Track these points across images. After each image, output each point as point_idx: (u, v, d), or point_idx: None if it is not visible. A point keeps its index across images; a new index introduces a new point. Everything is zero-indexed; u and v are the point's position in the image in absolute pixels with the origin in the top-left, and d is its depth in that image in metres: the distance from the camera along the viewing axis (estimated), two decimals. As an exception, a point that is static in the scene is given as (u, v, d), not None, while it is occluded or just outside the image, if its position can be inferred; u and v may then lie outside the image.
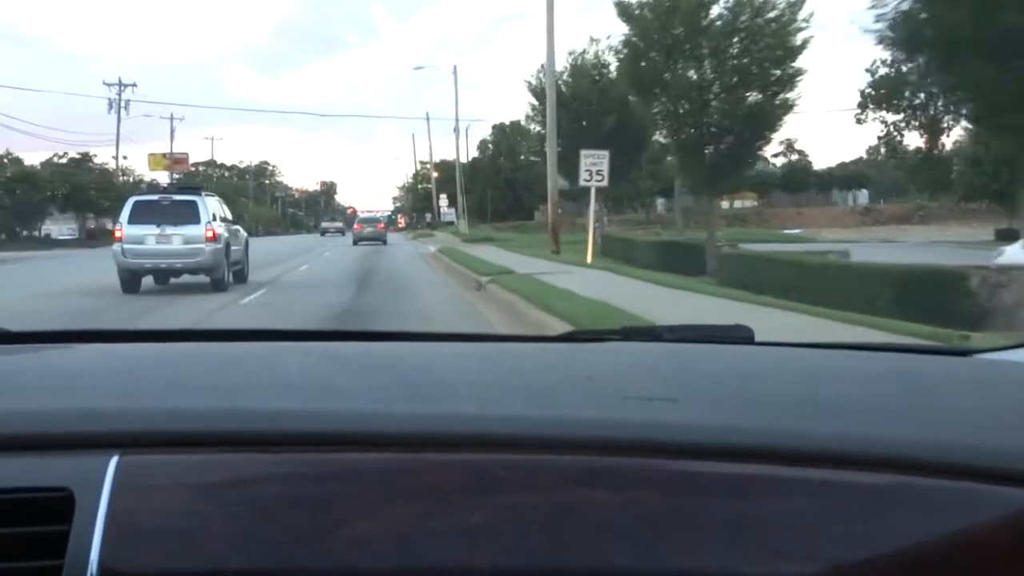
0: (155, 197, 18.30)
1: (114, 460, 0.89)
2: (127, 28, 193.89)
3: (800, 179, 78.69)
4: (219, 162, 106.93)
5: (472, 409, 1.04)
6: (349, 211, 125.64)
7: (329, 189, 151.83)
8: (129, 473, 0.88)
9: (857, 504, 0.90)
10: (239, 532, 0.86)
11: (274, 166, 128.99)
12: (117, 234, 17.64)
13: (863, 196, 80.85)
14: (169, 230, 17.29)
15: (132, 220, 17.49)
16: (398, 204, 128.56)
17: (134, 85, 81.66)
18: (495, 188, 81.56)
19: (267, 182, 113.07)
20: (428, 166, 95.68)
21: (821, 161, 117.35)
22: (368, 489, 0.89)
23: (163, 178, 72.01)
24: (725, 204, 61.69)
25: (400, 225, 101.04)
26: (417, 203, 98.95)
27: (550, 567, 0.86)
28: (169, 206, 17.60)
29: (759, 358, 1.45)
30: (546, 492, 0.90)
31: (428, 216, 79.49)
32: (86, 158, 70.54)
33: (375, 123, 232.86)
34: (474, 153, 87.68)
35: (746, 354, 1.46)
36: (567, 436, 0.95)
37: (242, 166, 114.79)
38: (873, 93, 53.16)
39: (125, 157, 79.13)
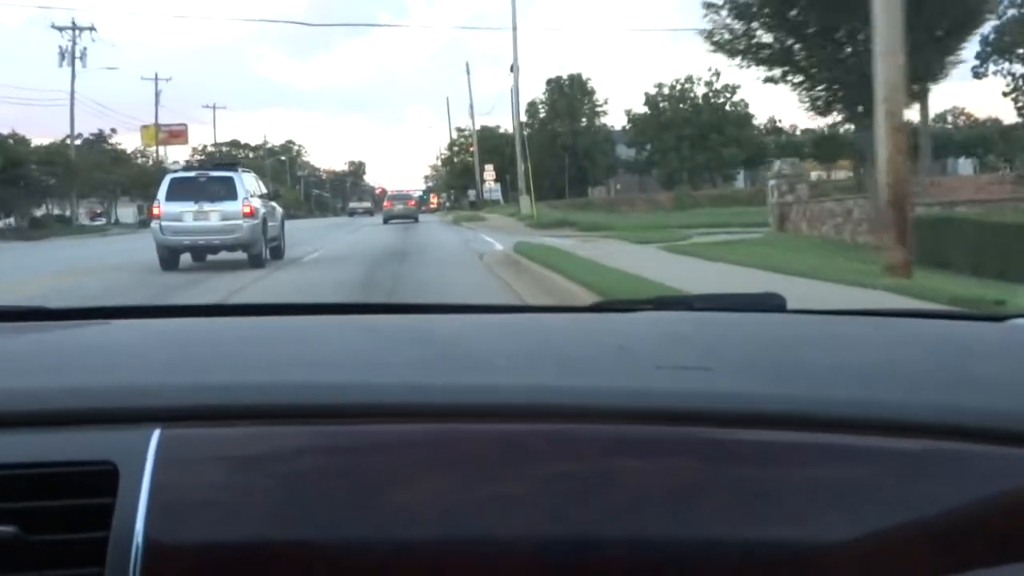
0: (192, 174, 18.70)
1: (156, 434, 0.92)
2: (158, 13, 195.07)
3: (911, 143, 66.71)
4: (243, 142, 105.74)
5: (507, 380, 1.07)
6: (378, 191, 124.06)
7: (357, 169, 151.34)
8: (171, 447, 0.91)
9: (892, 470, 0.92)
10: (279, 504, 0.89)
11: (300, 146, 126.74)
12: (155, 211, 18.07)
13: (966, 164, 68.68)
14: (207, 207, 17.62)
15: (169, 197, 17.86)
16: (429, 184, 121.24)
17: (169, 79, 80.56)
18: (551, 157, 68.38)
19: (283, 158, 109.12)
20: (467, 134, 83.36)
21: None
22: (406, 460, 0.92)
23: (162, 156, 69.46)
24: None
25: (432, 205, 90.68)
26: (453, 179, 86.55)
27: (587, 535, 0.89)
28: (206, 183, 17.98)
29: (792, 326, 1.49)
30: (582, 461, 0.92)
31: (472, 193, 68.74)
32: (101, 138, 69.23)
33: (406, 103, 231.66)
34: (522, 118, 77.86)
35: (778, 322, 1.50)
36: (601, 405, 0.98)
37: (267, 146, 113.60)
38: (997, 40, 47.33)
39: (113, 130, 76.88)
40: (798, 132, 67.72)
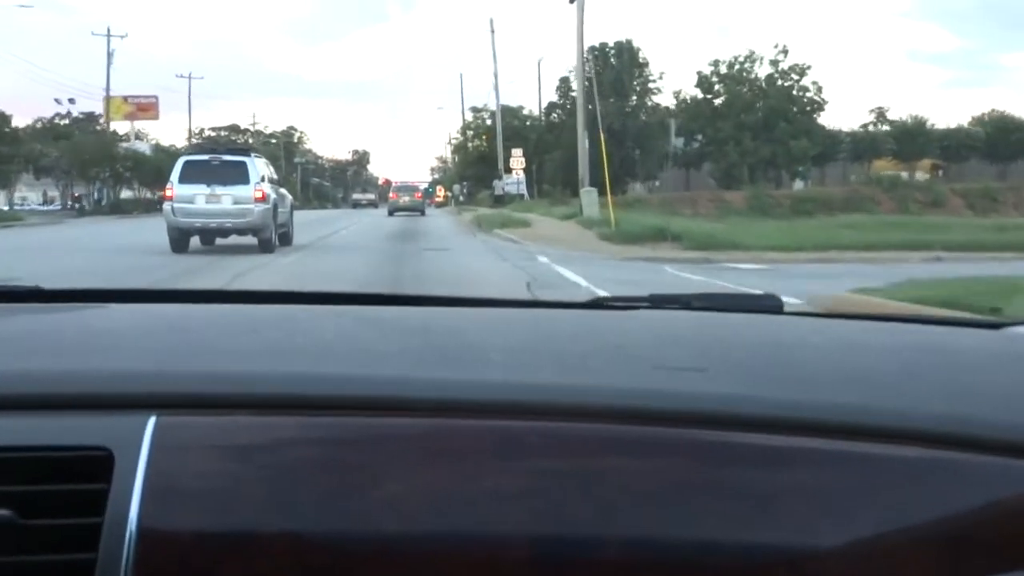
0: (205, 157, 19.13)
1: (152, 420, 0.93)
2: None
3: (1009, 140, 51.10)
4: (242, 127, 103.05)
5: (504, 376, 1.09)
6: (382, 182, 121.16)
7: (361, 159, 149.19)
8: (167, 434, 0.93)
9: (888, 477, 0.94)
10: (273, 493, 0.91)
11: (302, 132, 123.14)
12: (168, 193, 18.36)
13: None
14: (219, 190, 18.03)
15: (183, 180, 18.17)
16: (436, 176, 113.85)
17: (124, 36, 76.27)
18: (589, 144, 57.13)
19: (274, 141, 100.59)
20: (485, 114, 69.09)
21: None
22: (401, 454, 0.94)
23: (124, 128, 65.68)
24: (889, 173, 46.94)
25: (438, 199, 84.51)
26: (466, 168, 72.31)
27: (579, 533, 0.91)
28: (219, 166, 18.41)
29: (788, 328, 1.51)
30: (577, 459, 0.95)
31: (498, 185, 53.44)
32: (92, 118, 67.50)
33: (415, 92, 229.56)
34: (550, 96, 61.87)
35: (775, 324, 1.52)
36: (597, 404, 1.00)
37: (267, 131, 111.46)
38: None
39: (71, 100, 69.39)
40: (870, 126, 54.27)
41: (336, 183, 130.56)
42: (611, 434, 0.96)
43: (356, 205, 74.24)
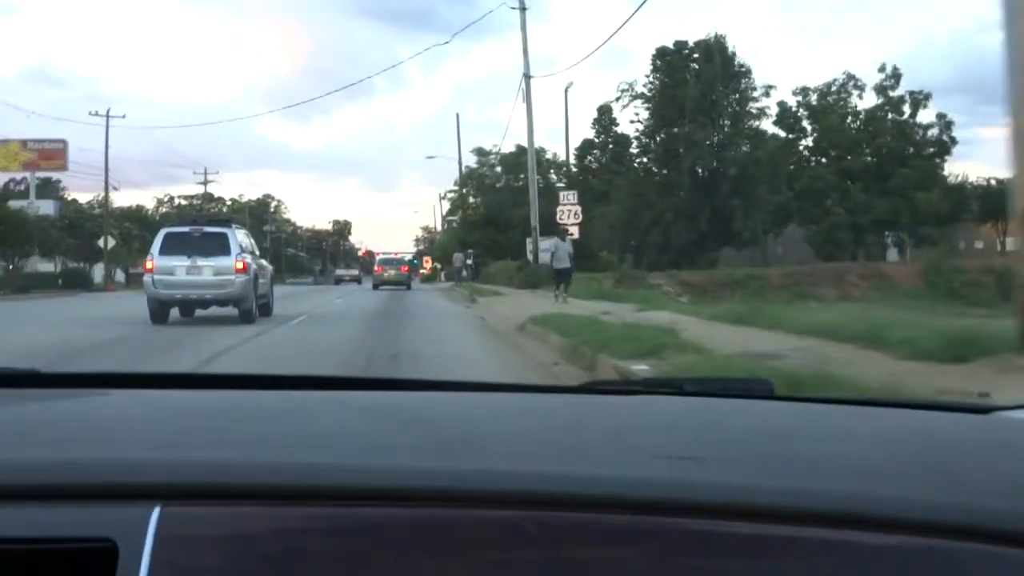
0: (186, 229, 19.52)
1: (156, 511, 0.95)
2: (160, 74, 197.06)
3: None
4: (216, 195, 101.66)
5: (505, 465, 1.11)
6: (362, 253, 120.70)
7: (342, 229, 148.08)
8: (171, 525, 0.94)
9: (880, 566, 0.96)
10: None
11: (279, 201, 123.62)
12: (148, 265, 18.55)
13: None
14: (200, 261, 18.33)
15: (163, 251, 18.47)
16: (421, 247, 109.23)
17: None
18: (665, 190, 40.08)
19: (231, 207, 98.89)
20: (492, 155, 53.98)
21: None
22: (404, 544, 0.96)
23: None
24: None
25: (425, 271, 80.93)
26: (470, 231, 54.80)
27: None
28: (200, 238, 18.82)
29: (780, 414, 1.57)
30: (578, 549, 0.96)
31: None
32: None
33: (399, 164, 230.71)
34: (584, 132, 47.37)
35: (767, 409, 1.58)
36: (599, 494, 1.02)
37: (242, 200, 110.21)
38: None
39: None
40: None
41: (313, 254, 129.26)
42: (612, 524, 0.98)
43: (339, 281, 72.45)
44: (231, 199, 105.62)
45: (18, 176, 60.30)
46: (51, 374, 1.62)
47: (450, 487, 1.03)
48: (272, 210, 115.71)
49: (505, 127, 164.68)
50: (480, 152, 57.02)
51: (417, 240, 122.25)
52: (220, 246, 18.76)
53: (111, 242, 50.90)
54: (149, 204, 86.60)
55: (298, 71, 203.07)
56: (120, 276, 59.02)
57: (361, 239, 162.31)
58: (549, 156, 43.73)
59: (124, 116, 57.54)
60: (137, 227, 60.26)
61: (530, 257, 34.55)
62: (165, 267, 18.48)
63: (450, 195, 65.02)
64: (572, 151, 45.52)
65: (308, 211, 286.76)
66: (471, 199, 56.77)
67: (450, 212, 68.58)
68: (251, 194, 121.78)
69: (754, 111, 40.40)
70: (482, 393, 1.81)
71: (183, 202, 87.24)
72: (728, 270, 32.28)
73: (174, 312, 19.14)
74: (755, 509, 1.00)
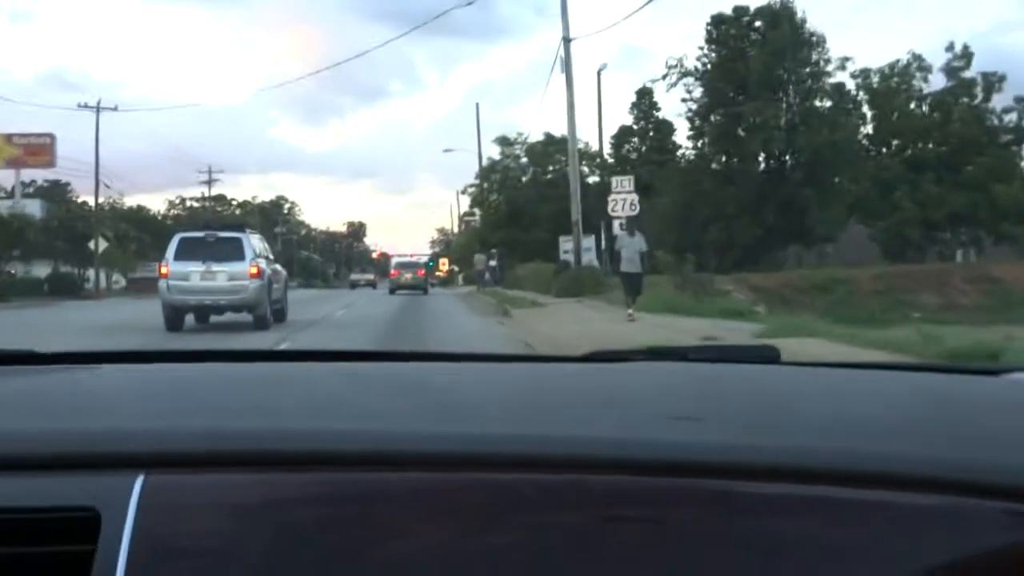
0: (200, 234, 19.52)
1: (139, 480, 0.94)
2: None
3: None
4: (229, 197, 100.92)
5: (502, 429, 1.10)
6: (376, 255, 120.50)
7: (357, 231, 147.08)
8: (154, 493, 0.93)
9: (892, 525, 0.95)
10: (263, 553, 0.91)
11: (292, 202, 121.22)
12: (163, 271, 18.45)
13: None
14: (214, 267, 18.38)
15: (178, 257, 18.36)
16: (437, 249, 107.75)
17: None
18: (724, 178, 35.42)
19: (238, 211, 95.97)
20: (519, 142, 50.60)
21: None
22: (399, 509, 0.95)
23: (7, 177, 54.13)
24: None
25: (441, 273, 78.43)
26: (493, 230, 50.94)
27: None
28: (214, 243, 18.82)
29: (786, 377, 1.54)
30: (576, 511, 0.96)
31: (576, 248, 28.64)
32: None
33: (415, 167, 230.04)
34: (622, 118, 43.61)
35: (772, 373, 1.55)
36: (594, 456, 1.02)
37: (254, 201, 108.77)
38: None
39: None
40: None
41: (327, 257, 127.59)
42: (610, 485, 0.98)
43: (354, 285, 71.44)
44: (242, 200, 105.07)
45: (24, 178, 59.35)
46: (48, 354, 1.62)
47: (448, 450, 1.02)
48: (286, 212, 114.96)
49: (537, 106, 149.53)
50: (504, 142, 52.44)
51: (432, 242, 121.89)
52: (234, 251, 18.72)
53: (103, 244, 49.23)
54: (162, 208, 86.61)
55: (308, 71, 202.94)
56: (120, 281, 56.62)
57: (376, 241, 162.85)
58: (581, 146, 37.26)
59: (116, 108, 52.55)
60: (135, 229, 57.54)
61: (568, 258, 29.72)
62: (180, 272, 18.43)
63: (470, 190, 60.59)
64: (608, 139, 42.99)
65: (323, 213, 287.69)
66: (492, 196, 52.47)
67: (469, 210, 65.00)
68: (266, 196, 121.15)
69: (827, 87, 35.28)
70: (482, 363, 1.79)
71: (195, 204, 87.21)
72: (804, 272, 28.24)
73: (189, 319, 19.01)
74: (761, 468, 0.99)
